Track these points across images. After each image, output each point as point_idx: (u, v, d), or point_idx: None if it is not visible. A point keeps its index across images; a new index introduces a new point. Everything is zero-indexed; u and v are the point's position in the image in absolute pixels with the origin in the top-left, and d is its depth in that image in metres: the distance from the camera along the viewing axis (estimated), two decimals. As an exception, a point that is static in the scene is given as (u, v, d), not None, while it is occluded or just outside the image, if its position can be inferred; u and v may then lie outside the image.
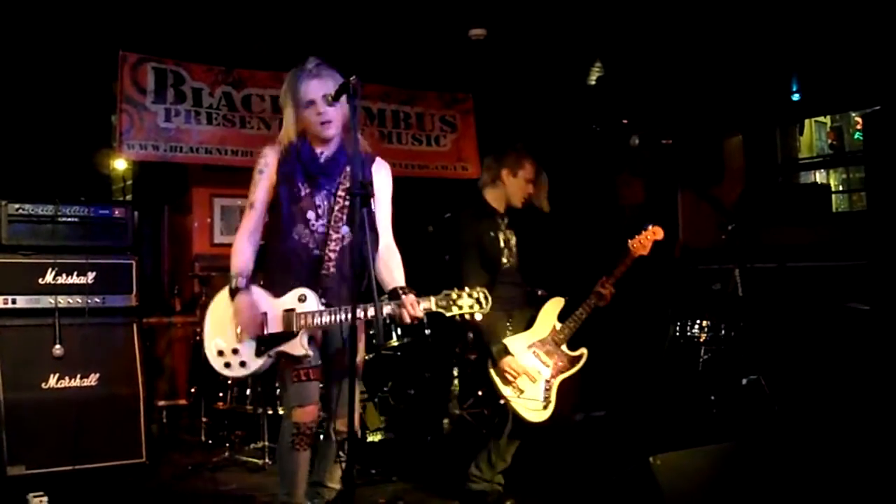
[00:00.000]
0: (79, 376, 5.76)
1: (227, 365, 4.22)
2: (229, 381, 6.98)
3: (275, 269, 4.28)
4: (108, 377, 5.87)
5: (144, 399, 5.99)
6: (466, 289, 4.02)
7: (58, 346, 5.70)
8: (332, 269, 4.17)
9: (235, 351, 4.19)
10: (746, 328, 7.00)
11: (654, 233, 5.39)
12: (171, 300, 8.84)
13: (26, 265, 5.76)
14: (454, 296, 4.01)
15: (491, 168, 5.62)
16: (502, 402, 5.21)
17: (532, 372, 5.19)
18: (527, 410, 5.15)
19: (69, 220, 5.97)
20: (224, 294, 4.27)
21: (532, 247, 5.61)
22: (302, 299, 4.11)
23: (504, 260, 5.44)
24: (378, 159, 4.41)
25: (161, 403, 7.93)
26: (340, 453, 4.34)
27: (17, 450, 5.45)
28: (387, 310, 4.01)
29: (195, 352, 7.57)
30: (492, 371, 5.23)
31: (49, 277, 5.80)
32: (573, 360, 5.31)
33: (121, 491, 5.73)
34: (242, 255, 4.24)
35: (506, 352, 5.19)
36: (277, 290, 4.19)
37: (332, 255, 4.17)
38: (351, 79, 3.76)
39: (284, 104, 4.35)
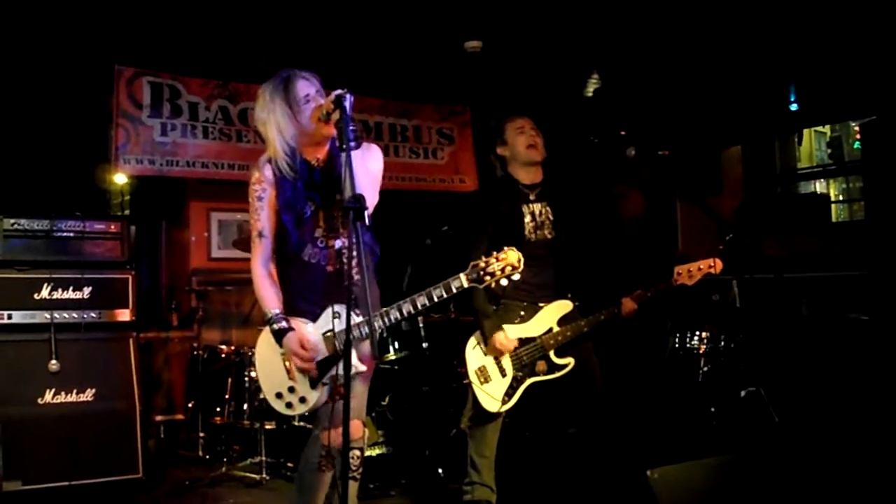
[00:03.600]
0: (75, 391, 5.73)
1: (290, 405, 4.06)
2: (226, 396, 6.95)
3: (295, 296, 4.11)
4: (104, 392, 5.83)
5: (141, 414, 5.96)
6: (494, 252, 3.85)
7: (54, 362, 5.67)
8: (355, 277, 3.91)
9: (292, 389, 4.05)
10: (746, 339, 6.98)
11: (711, 265, 5.15)
12: (168, 315, 8.82)
13: (22, 280, 5.74)
14: (482, 264, 3.84)
15: (493, 159, 5.51)
16: (465, 382, 5.16)
17: (505, 365, 5.13)
18: (485, 400, 5.09)
19: (65, 234, 5.95)
20: (266, 337, 4.13)
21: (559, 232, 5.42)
22: (337, 316, 3.98)
23: (529, 234, 5.22)
24: (365, 144, 3.99)
25: (158, 418, 7.88)
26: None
27: (14, 465, 5.42)
28: (422, 300, 3.91)
29: (192, 366, 7.54)
30: (468, 350, 5.18)
31: (45, 292, 5.78)
32: (554, 368, 5.15)
33: (117, 507, 5.71)
34: (269, 289, 4.06)
35: (498, 327, 5.08)
36: (303, 315, 4.06)
37: (351, 262, 3.93)
38: (342, 91, 3.68)
39: (270, 117, 4.04)
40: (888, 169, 6.79)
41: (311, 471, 4.20)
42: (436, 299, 3.92)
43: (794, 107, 9.00)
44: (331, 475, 4.22)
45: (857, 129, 9.44)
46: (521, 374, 5.15)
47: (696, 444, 6.42)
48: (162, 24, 7.19)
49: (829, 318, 7.29)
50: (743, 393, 6.58)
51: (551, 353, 5.18)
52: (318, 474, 4.18)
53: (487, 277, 3.85)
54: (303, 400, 4.03)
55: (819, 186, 10.01)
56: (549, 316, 5.23)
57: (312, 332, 4.02)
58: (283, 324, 3.97)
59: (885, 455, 5.35)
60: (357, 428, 4.19)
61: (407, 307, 3.92)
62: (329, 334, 3.99)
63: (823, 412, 6.65)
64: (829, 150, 10.09)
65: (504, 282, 3.86)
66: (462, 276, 3.88)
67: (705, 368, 7.08)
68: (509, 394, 5.12)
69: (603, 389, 5.30)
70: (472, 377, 5.13)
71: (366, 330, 3.92)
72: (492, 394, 5.10)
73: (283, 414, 4.19)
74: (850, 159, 9.69)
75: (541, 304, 5.24)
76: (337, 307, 3.99)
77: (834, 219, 9.41)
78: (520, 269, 3.85)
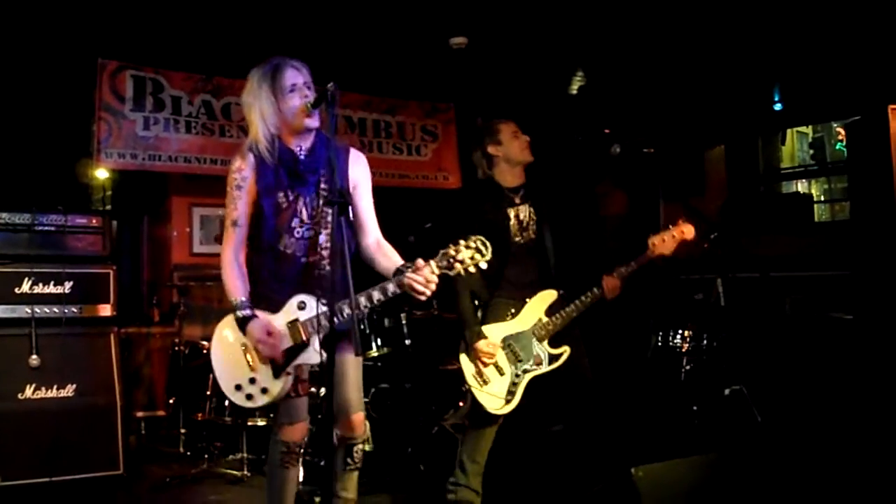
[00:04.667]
0: (55, 387, 5.67)
1: (250, 397, 4.00)
2: (207, 392, 6.91)
3: (262, 284, 4.08)
4: (85, 388, 5.78)
5: (122, 410, 5.90)
6: (461, 241, 3.82)
7: (34, 357, 5.62)
8: (326, 268, 4.00)
9: (253, 381, 4.00)
10: (729, 338, 6.99)
11: (684, 231, 5.12)
12: (149, 310, 8.78)
13: (2, 274, 5.67)
14: (452, 252, 3.80)
15: (478, 158, 5.44)
16: (464, 388, 5.13)
17: (502, 364, 5.09)
18: (488, 401, 5.04)
19: (46, 228, 5.89)
20: (223, 330, 4.11)
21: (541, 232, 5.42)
22: (301, 306, 3.95)
23: (516, 237, 5.24)
24: (353, 150, 4.24)
25: (139, 414, 7.85)
26: (349, 460, 4.24)
27: (-7, 461, 5.38)
28: (392, 288, 3.85)
29: (174, 362, 7.50)
30: (462, 356, 5.13)
31: (25, 287, 5.72)
32: (551, 358, 5.13)
33: (98, 503, 5.66)
34: (237, 279, 4.02)
35: (480, 335, 5.05)
36: (270, 306, 4.02)
37: (325, 254, 4.02)
38: (329, 85, 3.68)
39: (255, 102, 4.08)
40: (873, 169, 6.81)
41: (274, 468, 4.18)
42: (396, 289, 3.88)
43: (777, 107, 9.04)
44: (297, 471, 4.22)
45: (839, 130, 9.49)
46: (519, 370, 5.11)
47: (679, 443, 6.43)
48: (145, 18, 7.15)
49: (811, 317, 7.31)
50: (726, 391, 6.59)
51: (545, 344, 5.16)
52: (283, 471, 4.16)
53: (458, 266, 3.81)
54: (265, 391, 3.98)
55: (801, 186, 10.04)
56: (536, 307, 5.20)
57: (272, 321, 3.98)
58: (248, 311, 3.94)
59: (868, 453, 5.36)
60: (360, 420, 4.22)
61: (377, 294, 3.87)
62: (293, 323, 3.96)
63: (806, 411, 6.67)
64: (811, 151, 10.14)
65: (472, 269, 3.82)
66: (432, 263, 3.83)
67: (688, 367, 7.09)
68: (512, 392, 5.06)
69: (593, 380, 5.30)
70: (471, 381, 5.08)
71: (325, 320, 3.83)
72: (494, 394, 5.05)
73: (243, 407, 4.12)
74: (832, 160, 9.73)
75: (527, 300, 5.22)
76: (303, 297, 3.98)
77: (816, 219, 9.44)
78: (487, 257, 3.81)
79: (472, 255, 3.79)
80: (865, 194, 6.98)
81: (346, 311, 3.84)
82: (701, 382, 6.95)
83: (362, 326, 6.45)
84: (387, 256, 4.13)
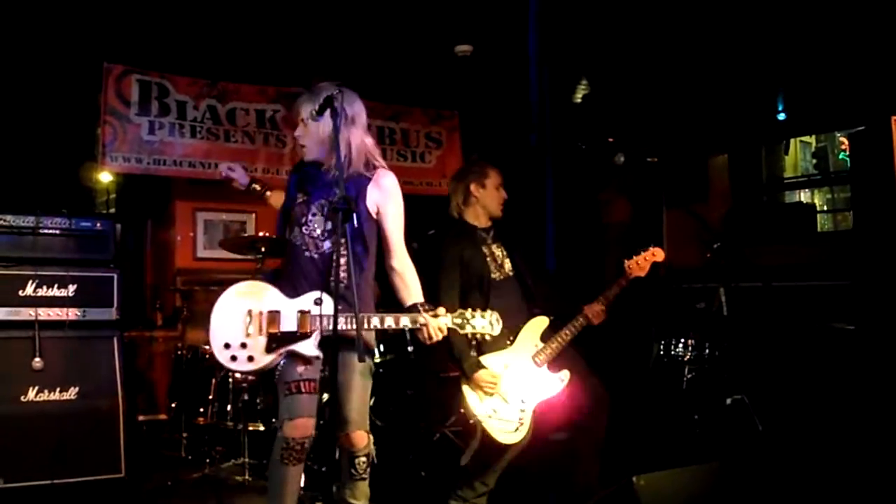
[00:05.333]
0: (58, 390, 5.69)
1: (234, 358, 4.12)
2: (209, 397, 6.92)
3: (288, 271, 4.33)
4: (88, 391, 5.79)
5: (124, 413, 5.91)
6: (479, 311, 4.14)
7: (37, 359, 5.63)
8: (341, 275, 4.05)
9: (244, 345, 4.12)
10: (731, 347, 7.00)
11: (654, 254, 5.31)
12: (152, 314, 8.79)
13: (6, 277, 5.69)
14: (469, 315, 4.12)
15: (458, 189, 5.57)
16: (472, 421, 5.14)
17: (506, 392, 5.10)
18: (498, 432, 5.03)
19: (50, 231, 5.91)
20: (232, 290, 4.23)
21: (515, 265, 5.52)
22: (318, 302, 4.04)
23: (494, 274, 5.35)
24: (381, 171, 4.44)
25: (141, 418, 7.85)
26: (352, 471, 4.28)
27: (-5, 463, 5.39)
28: (405, 322, 4.06)
29: (176, 366, 7.51)
30: (464, 388, 5.13)
31: (29, 290, 5.73)
32: (554, 383, 5.15)
33: (99, 506, 5.68)
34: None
35: (478, 365, 5.08)
36: (290, 292, 4.17)
37: (342, 261, 4.04)
38: (334, 92, 3.75)
39: None
40: (876, 179, 6.81)
41: (275, 464, 4.22)
42: (408, 324, 4.11)
43: (781, 116, 9.04)
44: (299, 469, 4.24)
45: (842, 139, 9.49)
46: (524, 396, 5.12)
47: (681, 451, 6.43)
48: (151, 23, 7.18)
49: (813, 327, 7.31)
50: (728, 401, 6.60)
51: (545, 370, 5.19)
52: (283, 468, 4.18)
53: (469, 328, 4.16)
54: (251, 359, 4.12)
55: (804, 196, 10.04)
56: (531, 334, 5.27)
57: (287, 303, 4.14)
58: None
59: (869, 462, 5.37)
60: (361, 438, 4.28)
61: (389, 321, 4.06)
62: (304, 314, 4.09)
63: (808, 421, 6.67)
64: (814, 161, 10.14)
65: (479, 337, 4.20)
66: (449, 316, 4.13)
67: (690, 376, 7.09)
68: (521, 420, 5.07)
69: (606, 395, 5.34)
70: (480, 413, 5.09)
71: (341, 324, 3.93)
72: (504, 422, 5.06)
73: (223, 365, 4.22)
74: (834, 170, 9.73)
75: (519, 325, 5.28)
76: (322, 294, 4.07)
77: (819, 229, 9.44)
78: (495, 334, 4.21)
79: (484, 325, 4.16)
80: (868, 205, 6.98)
81: (371, 324, 4.05)
82: (703, 391, 6.95)
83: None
84: (406, 285, 4.35)
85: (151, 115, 8.04)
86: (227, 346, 4.13)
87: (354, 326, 3.88)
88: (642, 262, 5.30)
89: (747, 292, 7.43)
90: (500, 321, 4.11)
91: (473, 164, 5.68)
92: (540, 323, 5.29)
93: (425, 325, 4.04)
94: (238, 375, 6.59)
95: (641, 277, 5.31)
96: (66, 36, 7.28)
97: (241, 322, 4.14)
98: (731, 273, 7.09)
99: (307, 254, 4.21)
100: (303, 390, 4.14)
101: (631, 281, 5.32)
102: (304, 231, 4.23)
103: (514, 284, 5.43)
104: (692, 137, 9.27)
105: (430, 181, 9.57)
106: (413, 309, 4.15)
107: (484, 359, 5.14)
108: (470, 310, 4.12)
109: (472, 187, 5.48)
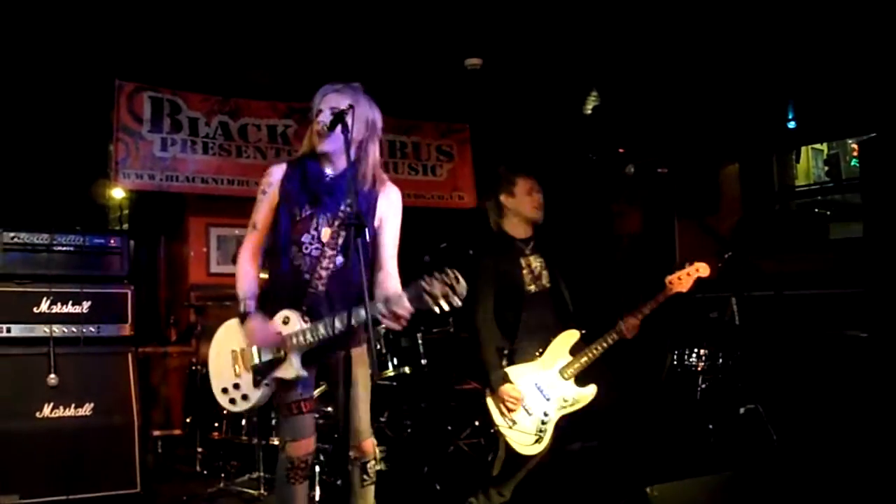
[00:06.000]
0: (73, 406, 5.73)
1: (233, 401, 4.20)
2: (224, 412, 6.93)
3: (269, 293, 4.25)
4: (102, 407, 5.83)
5: (139, 429, 5.95)
6: (436, 273, 3.73)
7: (52, 376, 5.67)
8: (319, 288, 4.07)
9: (237, 386, 4.18)
10: (744, 357, 6.98)
11: (698, 269, 5.16)
12: (166, 330, 8.82)
13: (21, 294, 5.74)
14: (424, 284, 3.73)
15: (490, 204, 5.55)
16: (493, 431, 5.15)
17: (529, 404, 5.10)
18: (518, 443, 5.05)
19: (64, 248, 5.96)
20: (220, 333, 4.31)
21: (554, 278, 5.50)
22: (285, 321, 4.06)
23: (529, 286, 5.33)
24: (389, 185, 4.31)
25: (156, 433, 7.88)
26: (364, 476, 4.32)
27: (11, 479, 5.41)
28: (362, 313, 3.75)
29: (191, 381, 7.54)
30: (488, 399, 5.14)
31: (44, 306, 5.78)
32: (579, 397, 5.13)
33: (115, 521, 5.70)
34: (247, 276, 4.20)
35: (504, 379, 5.08)
36: (268, 309, 4.16)
37: (323, 273, 4.07)
38: (345, 108, 3.76)
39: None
40: (887, 186, 6.80)
41: (281, 484, 4.24)
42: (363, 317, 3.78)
43: (791, 124, 9.02)
44: (305, 486, 4.26)
45: (854, 146, 9.46)
46: (547, 409, 5.13)
47: (695, 462, 6.41)
48: (163, 40, 7.21)
49: (826, 335, 7.28)
50: (741, 410, 6.58)
51: (571, 383, 5.18)
52: (290, 487, 4.20)
53: (427, 298, 3.75)
54: (245, 397, 4.18)
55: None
56: (561, 348, 5.24)
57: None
58: (251, 307, 4.15)
59: (884, 471, 5.35)
60: (371, 445, 4.33)
61: (340, 321, 3.91)
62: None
63: (822, 429, 6.64)
64: (826, 168, 10.10)
65: (446, 306, 3.75)
66: (403, 293, 3.86)
67: (703, 385, 7.06)
68: (542, 431, 5.07)
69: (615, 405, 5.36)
70: (500, 423, 5.09)
71: (304, 337, 4.00)
72: (524, 433, 5.07)
73: (226, 409, 4.31)
74: (847, 177, 9.70)
75: (549, 338, 5.26)
76: (287, 312, 4.07)
77: (831, 236, 9.41)
78: (461, 293, 3.74)
79: (444, 290, 3.72)
80: (879, 212, 6.96)
81: (338, 325, 3.92)
82: (716, 401, 6.93)
83: (378, 346, 6.47)
84: (385, 289, 4.14)
85: (164, 131, 8.10)
86: (224, 390, 4.23)
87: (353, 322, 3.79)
88: (685, 278, 5.14)
89: (759, 301, 7.42)
90: (461, 279, 3.70)
91: (499, 175, 5.60)
92: (570, 336, 5.26)
93: (383, 312, 3.82)
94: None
95: (682, 293, 5.18)
96: (78, 53, 7.32)
97: (230, 363, 4.22)
98: (743, 282, 7.08)
99: (305, 276, 4.10)
100: (303, 410, 4.18)
101: (671, 297, 5.19)
102: (304, 251, 4.11)
103: (548, 297, 5.40)
104: (703, 147, 9.26)
105: (441, 194, 9.59)
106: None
107: (511, 370, 5.16)
108: (425, 277, 3.72)
109: (502, 198, 5.47)
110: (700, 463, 6.25)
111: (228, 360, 4.22)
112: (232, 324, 4.29)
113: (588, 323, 5.33)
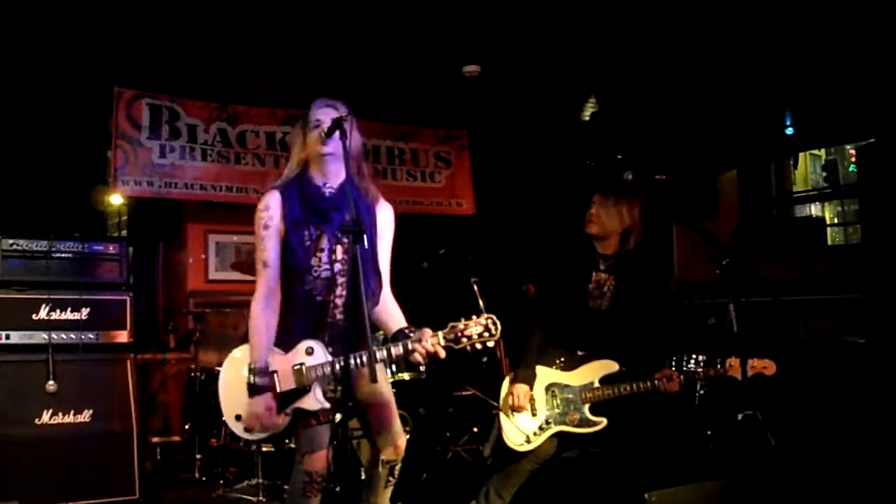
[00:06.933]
0: (72, 412, 5.73)
1: (248, 429, 4.06)
2: (223, 418, 6.91)
3: (283, 317, 4.09)
4: (101, 413, 5.83)
5: (138, 435, 5.95)
6: (473, 317, 3.84)
7: (51, 382, 5.67)
8: (338, 316, 4.02)
9: None
10: (742, 363, 6.98)
11: (766, 367, 5.23)
12: (165, 336, 8.81)
13: (20, 300, 5.74)
14: (461, 326, 3.84)
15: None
16: (494, 411, 5.16)
17: (538, 406, 5.11)
18: (510, 433, 5.07)
19: (63, 255, 5.96)
20: (233, 362, 4.16)
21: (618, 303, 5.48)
22: (309, 352, 3.97)
23: (591, 302, 5.31)
24: (382, 200, 4.27)
25: (155, 440, 7.88)
26: (390, 478, 4.32)
27: (10, 486, 5.40)
28: (397, 352, 3.89)
29: (189, 388, 7.54)
30: (505, 382, 5.21)
31: (43, 313, 5.78)
32: (585, 423, 5.12)
33: (113, 528, 5.70)
34: (262, 334, 4.02)
35: (530, 377, 5.12)
36: (285, 343, 4.04)
37: (339, 302, 4.02)
38: (344, 114, 3.75)
39: (294, 140, 4.20)
40: (884, 192, 6.81)
41: (297, 497, 4.17)
42: (401, 352, 3.91)
43: (789, 130, 9.05)
44: (318, 500, 4.20)
45: (851, 152, 9.48)
46: (551, 418, 5.13)
47: (693, 468, 6.41)
48: (161, 47, 7.22)
49: (825, 341, 7.29)
50: (740, 416, 6.58)
51: (586, 408, 5.16)
52: (305, 500, 4.14)
53: (464, 340, 3.85)
54: (262, 426, 4.05)
55: (814, 210, 10.03)
56: (593, 371, 5.22)
57: (282, 361, 4.02)
58: (261, 380, 3.96)
59: (882, 477, 5.36)
60: (403, 445, 4.30)
61: (379, 355, 3.91)
62: (298, 367, 3.98)
63: (820, 435, 6.65)
64: (824, 174, 10.12)
65: (479, 346, 3.85)
66: (439, 334, 3.88)
67: (702, 391, 7.07)
68: (536, 434, 5.08)
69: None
70: (503, 406, 5.12)
71: (330, 369, 3.94)
72: (518, 427, 5.08)
73: (240, 436, 4.18)
74: (845, 182, 9.72)
75: (586, 354, 5.26)
76: (311, 342, 4.00)
77: (830, 242, 9.43)
78: (496, 336, 3.84)
79: (480, 332, 3.84)
80: (877, 218, 6.97)
81: (352, 363, 3.84)
82: (715, 407, 6.94)
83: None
84: (388, 313, 4.20)
85: (162, 138, 8.11)
86: (238, 417, 4.08)
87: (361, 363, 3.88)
88: (748, 370, 5.19)
89: (757, 307, 7.43)
90: (498, 323, 3.82)
91: None
92: (608, 365, 5.22)
93: (416, 351, 3.86)
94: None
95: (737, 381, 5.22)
96: (77, 60, 7.32)
97: (245, 390, 4.04)
98: (741, 288, 7.08)
99: (319, 299, 4.03)
100: (322, 421, 4.06)
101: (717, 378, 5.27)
102: (313, 274, 4.03)
103: (601, 319, 5.33)
104: (701, 153, 9.28)
105: (439, 201, 9.60)
106: (400, 335, 3.99)
107: (541, 368, 5.20)
108: (462, 319, 3.86)
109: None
110: (698, 469, 6.23)
111: (244, 387, 4.03)
112: (243, 351, 4.12)
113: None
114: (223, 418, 4.20)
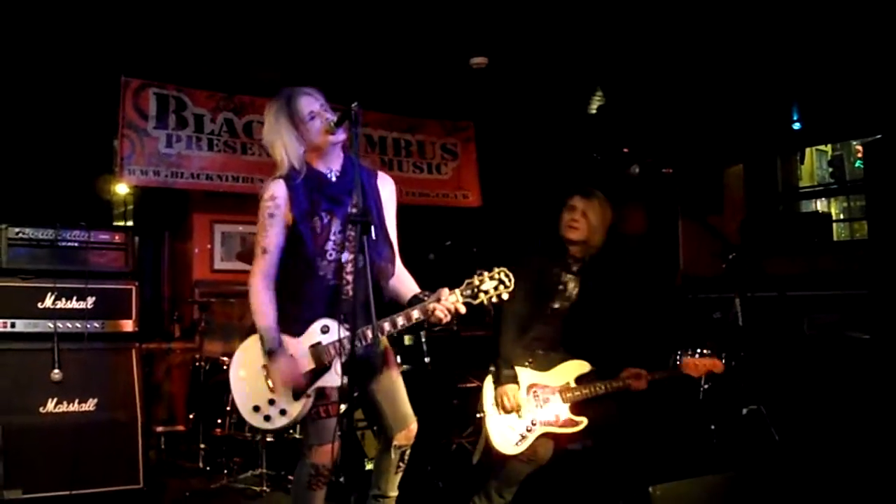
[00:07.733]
0: (77, 401, 5.72)
1: (268, 418, 4.04)
2: (227, 408, 6.94)
3: (292, 305, 4.09)
4: (106, 402, 5.83)
5: (143, 425, 5.95)
6: (485, 271, 3.94)
7: (56, 371, 5.66)
8: (350, 294, 4.00)
9: (272, 402, 4.04)
10: (747, 357, 6.98)
11: (714, 366, 5.32)
12: (170, 326, 8.83)
13: (26, 289, 5.74)
14: (476, 282, 3.93)
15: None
16: (479, 415, 5.16)
17: (522, 409, 5.10)
18: (498, 436, 5.06)
19: (69, 244, 5.95)
20: (245, 352, 4.17)
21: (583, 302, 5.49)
22: (325, 330, 3.99)
23: (556, 303, 5.32)
24: (381, 173, 4.31)
25: (159, 429, 7.88)
26: (400, 463, 4.35)
27: (15, 474, 5.40)
28: (416, 314, 3.94)
29: (194, 378, 7.54)
30: (486, 383, 5.19)
31: (48, 302, 5.78)
32: (568, 423, 5.13)
33: (118, 517, 5.70)
34: (268, 308, 4.05)
35: (512, 379, 5.09)
36: (293, 328, 4.05)
37: (349, 279, 4.03)
38: (353, 105, 3.73)
39: (276, 138, 4.13)
40: (891, 188, 6.80)
41: (302, 490, 4.17)
42: (420, 315, 3.97)
43: (796, 126, 9.03)
44: (324, 493, 4.19)
45: (858, 147, 9.47)
46: (535, 419, 5.13)
47: (697, 462, 6.41)
48: (168, 36, 7.21)
49: (830, 336, 7.29)
50: (744, 411, 6.58)
51: (567, 407, 5.17)
52: (310, 493, 4.14)
53: (482, 295, 3.93)
54: (283, 412, 4.03)
55: (820, 205, 10.02)
56: (568, 371, 5.26)
57: (296, 343, 4.04)
58: (276, 344, 3.98)
59: (886, 472, 5.36)
60: (415, 430, 4.40)
61: (401, 320, 3.96)
62: (316, 347, 4.00)
63: (824, 430, 6.65)
64: (830, 169, 10.11)
65: (496, 300, 3.92)
66: (457, 291, 3.93)
67: (706, 386, 7.07)
68: (524, 437, 5.08)
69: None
70: (488, 409, 5.12)
71: (348, 344, 3.86)
72: (505, 429, 5.08)
73: (260, 428, 4.17)
74: (851, 178, 9.71)
75: (551, 354, 5.30)
76: (326, 321, 4.02)
77: (835, 237, 9.42)
78: (510, 288, 3.94)
79: (496, 285, 3.93)
80: (883, 214, 6.96)
81: (369, 335, 3.92)
82: (719, 402, 6.93)
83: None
84: (402, 282, 4.24)
85: (169, 128, 8.11)
86: (256, 408, 4.07)
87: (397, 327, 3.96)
88: (700, 367, 5.31)
89: (763, 302, 7.42)
90: (511, 275, 3.92)
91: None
92: (580, 366, 5.27)
93: (437, 310, 3.90)
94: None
95: (693, 378, 5.36)
96: (84, 50, 7.32)
97: (261, 380, 4.06)
98: (747, 283, 7.08)
99: (332, 283, 4.04)
100: (331, 413, 4.06)
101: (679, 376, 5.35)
102: (328, 258, 4.04)
103: (566, 320, 5.37)
104: (707, 148, 9.27)
105: (446, 192, 9.60)
106: (416, 300, 4.05)
107: (519, 370, 5.18)
108: (475, 275, 3.94)
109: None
110: (702, 463, 6.24)
111: (258, 376, 4.06)
112: (253, 342, 4.14)
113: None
114: (242, 415, 4.16)
